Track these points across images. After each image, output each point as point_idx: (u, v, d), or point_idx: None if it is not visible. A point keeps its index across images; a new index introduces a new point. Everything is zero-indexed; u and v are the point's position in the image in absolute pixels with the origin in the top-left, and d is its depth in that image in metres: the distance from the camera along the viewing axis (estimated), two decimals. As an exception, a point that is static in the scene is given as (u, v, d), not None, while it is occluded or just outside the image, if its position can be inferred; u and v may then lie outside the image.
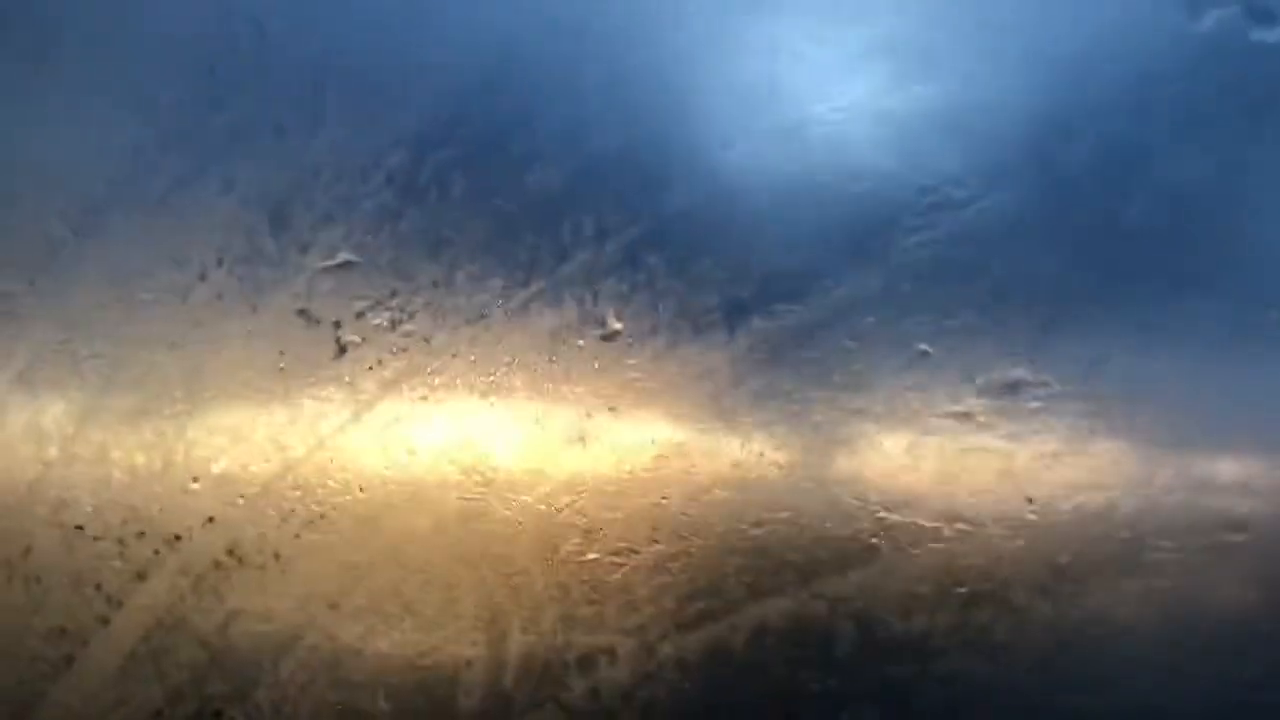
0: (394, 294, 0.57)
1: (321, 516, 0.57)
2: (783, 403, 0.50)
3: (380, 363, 0.57)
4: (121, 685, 0.62)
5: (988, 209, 0.51)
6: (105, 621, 0.62)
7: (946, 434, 0.48)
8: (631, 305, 0.53)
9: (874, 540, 0.49)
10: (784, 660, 0.50)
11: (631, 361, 0.53)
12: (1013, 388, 0.49)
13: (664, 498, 0.52)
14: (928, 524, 0.48)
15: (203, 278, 0.60)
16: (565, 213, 0.55)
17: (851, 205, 0.52)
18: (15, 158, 0.64)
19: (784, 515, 0.50)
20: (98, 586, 0.62)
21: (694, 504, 0.52)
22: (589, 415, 0.54)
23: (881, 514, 0.48)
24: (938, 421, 0.48)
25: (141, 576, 0.61)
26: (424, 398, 0.57)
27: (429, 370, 0.57)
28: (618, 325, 0.54)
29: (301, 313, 0.59)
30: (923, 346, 0.49)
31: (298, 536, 0.58)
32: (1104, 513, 0.48)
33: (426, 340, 0.57)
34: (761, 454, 0.51)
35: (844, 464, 0.49)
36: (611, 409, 0.54)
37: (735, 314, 0.52)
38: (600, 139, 0.55)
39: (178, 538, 0.61)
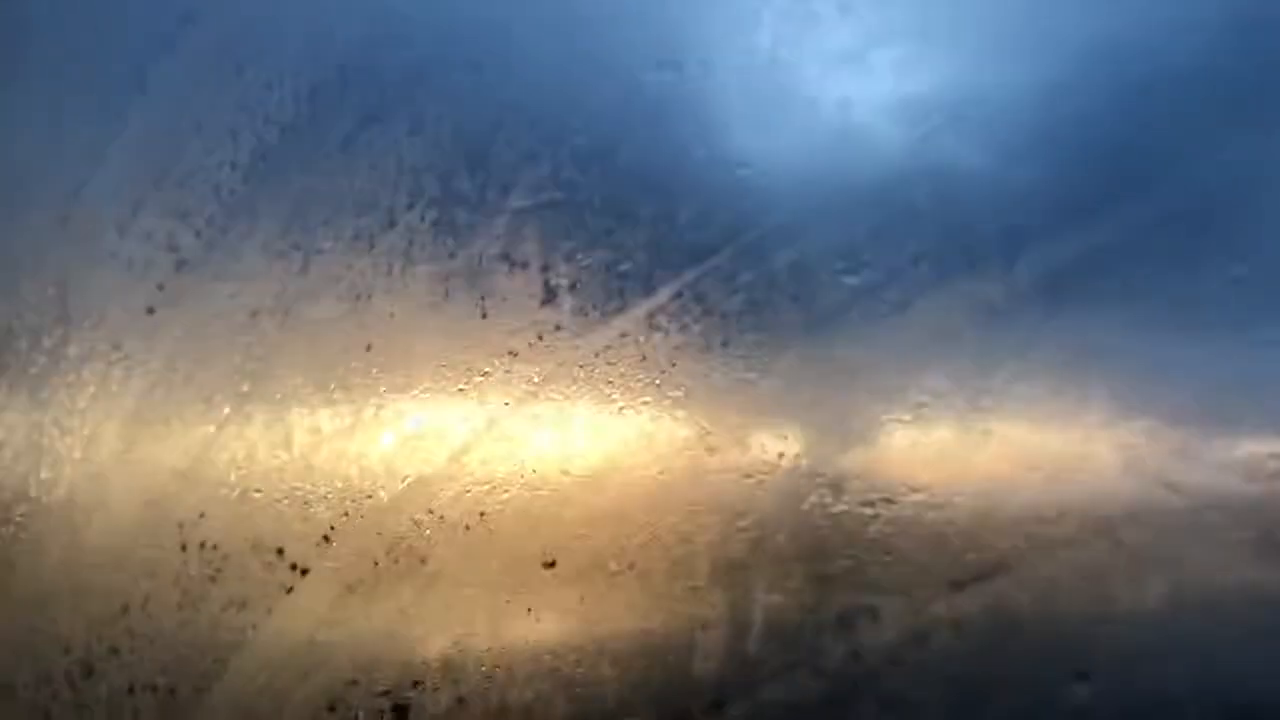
0: (609, 233, 0.53)
1: (534, 471, 0.54)
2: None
3: (595, 307, 0.53)
4: (309, 655, 0.58)
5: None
6: (289, 590, 0.59)
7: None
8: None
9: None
10: (1070, 617, 0.46)
11: (886, 296, 0.49)
12: None
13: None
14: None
15: (392, 224, 0.57)
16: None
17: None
18: (187, 92, 0.61)
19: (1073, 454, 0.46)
20: (279, 552, 0.59)
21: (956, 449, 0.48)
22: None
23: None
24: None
25: (328, 540, 0.58)
26: (645, 343, 0.53)
27: (649, 314, 0.53)
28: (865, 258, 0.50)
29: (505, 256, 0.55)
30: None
31: (506, 494, 0.54)
32: None
33: (646, 282, 0.53)
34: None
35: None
36: (858, 351, 0.50)
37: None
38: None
39: (369, 498, 0.57)
